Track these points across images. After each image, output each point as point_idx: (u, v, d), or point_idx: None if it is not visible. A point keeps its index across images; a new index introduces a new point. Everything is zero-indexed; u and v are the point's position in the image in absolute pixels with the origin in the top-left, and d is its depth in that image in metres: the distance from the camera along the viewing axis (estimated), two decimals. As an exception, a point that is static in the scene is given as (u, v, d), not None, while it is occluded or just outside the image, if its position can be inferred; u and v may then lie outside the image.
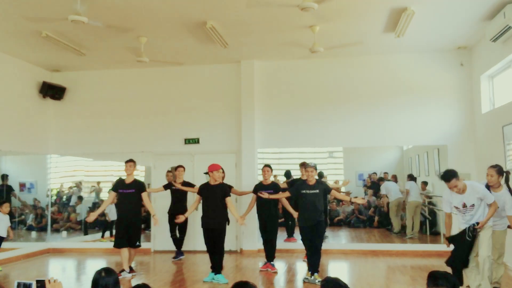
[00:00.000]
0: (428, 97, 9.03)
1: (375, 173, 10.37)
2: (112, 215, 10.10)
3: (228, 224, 6.84)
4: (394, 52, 9.13)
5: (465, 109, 8.91)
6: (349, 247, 9.17)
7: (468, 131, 8.84)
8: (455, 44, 8.67)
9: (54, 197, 10.66)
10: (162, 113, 9.89)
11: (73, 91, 10.22)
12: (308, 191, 6.60)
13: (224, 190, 6.79)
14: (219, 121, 9.68)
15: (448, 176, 5.25)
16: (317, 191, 6.58)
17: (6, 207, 8.07)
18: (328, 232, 9.78)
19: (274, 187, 7.39)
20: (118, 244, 7.19)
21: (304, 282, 6.57)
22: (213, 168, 6.80)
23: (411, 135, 9.08)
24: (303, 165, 7.53)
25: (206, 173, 7.04)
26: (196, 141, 9.74)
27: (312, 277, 6.51)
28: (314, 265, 6.58)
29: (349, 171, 10.63)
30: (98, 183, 10.80)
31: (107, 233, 10.33)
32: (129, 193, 7.19)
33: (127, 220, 7.19)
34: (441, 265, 7.61)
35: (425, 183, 9.66)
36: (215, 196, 6.71)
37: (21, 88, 9.39)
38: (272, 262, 7.40)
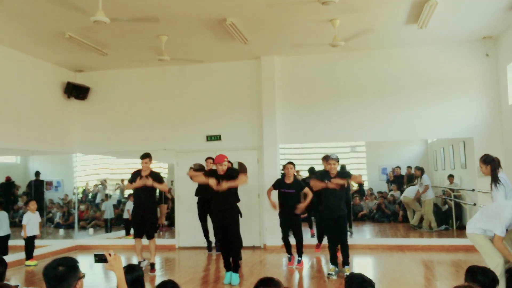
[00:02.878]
0: (452, 89, 8.85)
1: (398, 167, 10.24)
2: None
3: (241, 217, 6.70)
4: (417, 44, 8.97)
5: (491, 101, 8.70)
6: (374, 242, 9.08)
7: (495, 123, 8.63)
8: (480, 34, 8.46)
9: (80, 195, 10.87)
10: (183, 110, 9.96)
11: (97, 90, 10.38)
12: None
13: (232, 175, 6.48)
14: (240, 118, 9.70)
15: None
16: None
17: (33, 205, 8.30)
18: (352, 227, 9.73)
19: (296, 186, 7.28)
20: (136, 235, 7.36)
21: (328, 277, 6.55)
22: (216, 160, 6.47)
23: (435, 128, 8.92)
24: (325, 159, 7.46)
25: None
26: (218, 138, 9.77)
27: (343, 268, 6.62)
28: (345, 258, 6.66)
29: (372, 165, 10.52)
30: (122, 180, 10.96)
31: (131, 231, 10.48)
32: (146, 187, 7.19)
33: (143, 212, 7.25)
34: (468, 259, 7.49)
35: (452, 176, 9.48)
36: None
37: (46, 89, 9.59)
38: (299, 258, 7.40)
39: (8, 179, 9.22)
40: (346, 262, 6.67)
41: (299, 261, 7.36)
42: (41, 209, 8.94)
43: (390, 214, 10.34)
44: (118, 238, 10.45)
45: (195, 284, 6.46)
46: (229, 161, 6.81)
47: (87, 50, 8.52)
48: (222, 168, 6.43)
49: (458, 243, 8.65)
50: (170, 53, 8.61)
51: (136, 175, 7.33)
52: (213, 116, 9.83)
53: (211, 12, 6.98)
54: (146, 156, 7.29)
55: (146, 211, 7.27)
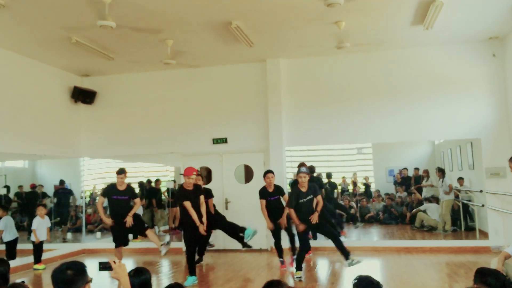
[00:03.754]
0: (459, 89, 8.80)
1: (405, 168, 10.18)
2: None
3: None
4: (423, 45, 8.93)
5: (498, 101, 8.64)
6: (381, 244, 9.03)
7: (502, 123, 8.56)
8: (486, 34, 8.41)
9: (88, 199, 10.91)
10: (190, 114, 9.98)
11: (103, 95, 10.43)
12: (303, 200, 6.80)
13: (200, 189, 7.02)
14: (246, 121, 9.70)
15: None
16: (311, 196, 6.82)
17: (41, 210, 8.37)
18: (360, 229, 9.71)
19: (277, 191, 7.58)
20: (117, 244, 7.42)
21: (299, 280, 6.58)
22: (185, 172, 6.79)
23: (442, 129, 8.87)
24: (302, 166, 7.78)
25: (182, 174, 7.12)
26: (224, 141, 9.78)
27: (349, 260, 6.71)
28: (343, 253, 6.78)
29: (379, 167, 10.47)
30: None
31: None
32: (123, 200, 7.36)
33: (122, 220, 7.30)
34: (476, 261, 7.43)
35: (461, 179, 9.40)
36: (198, 198, 6.89)
37: (53, 94, 9.65)
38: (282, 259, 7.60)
39: (33, 186, 9.30)
40: (346, 255, 6.75)
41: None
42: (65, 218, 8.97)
43: (397, 216, 10.28)
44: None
45: (203, 287, 6.46)
46: (199, 174, 6.97)
47: (94, 54, 8.57)
48: (189, 182, 6.73)
49: (467, 245, 8.60)
50: (176, 57, 8.64)
51: (111, 188, 7.45)
52: (219, 119, 9.84)
53: (216, 15, 7.00)
54: (122, 172, 7.42)
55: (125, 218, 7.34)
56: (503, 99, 8.60)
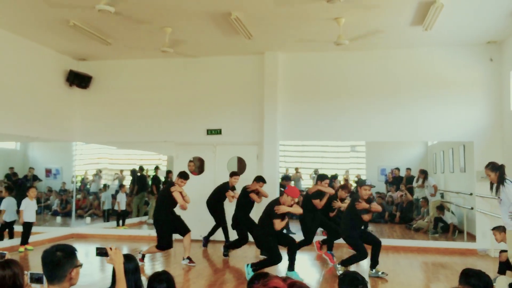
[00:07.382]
0: (455, 92, 8.84)
1: (397, 168, 10.23)
2: (122, 205, 10.30)
3: None
4: (421, 46, 8.95)
5: (493, 105, 8.69)
6: (369, 242, 9.07)
7: (495, 128, 8.62)
8: (484, 38, 8.45)
9: (79, 184, 10.87)
10: (185, 103, 9.95)
11: (99, 80, 10.36)
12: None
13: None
14: (241, 113, 9.68)
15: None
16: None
17: (33, 192, 8.37)
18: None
19: None
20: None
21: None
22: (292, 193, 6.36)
23: (436, 130, 8.92)
24: (344, 187, 8.06)
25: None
26: (218, 132, 9.76)
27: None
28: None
29: (371, 165, 10.52)
30: (121, 171, 10.97)
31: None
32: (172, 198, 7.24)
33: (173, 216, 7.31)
34: (463, 263, 7.50)
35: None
36: None
37: (48, 76, 9.57)
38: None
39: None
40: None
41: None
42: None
43: (387, 215, 10.34)
44: (113, 228, 10.42)
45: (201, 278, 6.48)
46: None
47: (91, 39, 8.50)
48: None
49: (454, 247, 8.68)
50: (174, 45, 8.59)
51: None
52: (214, 110, 9.82)
53: (216, 5, 6.96)
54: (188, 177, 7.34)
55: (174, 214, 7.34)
56: (497, 103, 8.65)
